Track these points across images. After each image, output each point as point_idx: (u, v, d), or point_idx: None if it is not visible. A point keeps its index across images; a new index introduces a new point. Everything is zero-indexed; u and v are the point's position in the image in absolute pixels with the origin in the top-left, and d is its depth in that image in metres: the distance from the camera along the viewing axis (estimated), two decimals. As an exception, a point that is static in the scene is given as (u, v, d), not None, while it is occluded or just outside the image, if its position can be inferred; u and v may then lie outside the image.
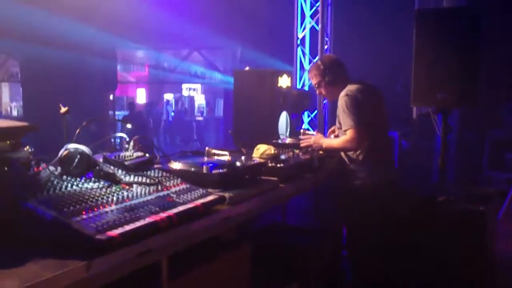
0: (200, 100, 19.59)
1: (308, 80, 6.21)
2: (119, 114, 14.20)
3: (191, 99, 19.53)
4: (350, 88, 3.59)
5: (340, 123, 3.61)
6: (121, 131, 2.80)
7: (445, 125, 4.38)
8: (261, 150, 3.25)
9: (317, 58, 5.95)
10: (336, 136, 3.83)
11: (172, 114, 17.68)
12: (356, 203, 3.68)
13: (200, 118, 17.64)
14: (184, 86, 19.36)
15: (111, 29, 10.30)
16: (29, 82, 11.66)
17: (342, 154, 3.75)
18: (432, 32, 4.22)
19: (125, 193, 2.07)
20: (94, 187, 2.05)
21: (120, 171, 2.32)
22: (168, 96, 18.84)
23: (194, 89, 19.72)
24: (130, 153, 2.55)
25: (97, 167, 2.14)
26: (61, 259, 1.60)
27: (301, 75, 6.36)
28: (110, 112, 12.48)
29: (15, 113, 17.05)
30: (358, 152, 3.64)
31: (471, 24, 4.13)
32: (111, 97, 13.31)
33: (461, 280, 3.98)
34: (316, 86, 3.82)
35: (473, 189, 4.86)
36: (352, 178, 3.68)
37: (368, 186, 3.62)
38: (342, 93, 3.58)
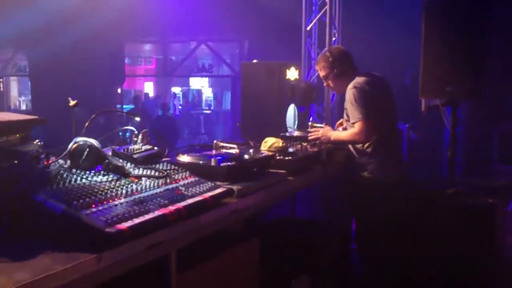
0: (207, 93, 19.58)
1: (315, 72, 6.18)
2: (126, 107, 14.21)
3: (199, 92, 19.53)
4: (358, 80, 3.57)
5: (348, 116, 3.59)
6: (128, 124, 2.80)
7: (454, 117, 4.36)
8: (269, 143, 3.25)
9: (324, 50, 5.91)
10: (344, 129, 3.81)
11: (180, 107, 17.70)
12: (365, 196, 3.67)
13: (208, 111, 17.64)
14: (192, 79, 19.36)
15: (119, 22, 10.30)
16: (37, 76, 11.72)
17: (350, 146, 3.74)
18: (440, 23, 4.19)
19: (134, 186, 2.08)
20: (103, 180, 2.05)
21: (129, 164, 2.32)
22: (176, 89, 18.85)
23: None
24: (139, 146, 2.55)
25: (106, 160, 2.15)
26: (71, 252, 1.61)
27: (309, 67, 6.33)
28: (118, 106, 12.51)
29: (23, 107, 17.15)
30: (366, 145, 3.62)
31: (480, 15, 4.09)
32: (119, 90, 13.33)
33: (470, 273, 3.97)
34: (324, 78, 3.80)
35: (482, 181, 4.84)
36: (361, 171, 3.67)
37: (376, 178, 3.61)
38: (350, 86, 3.56)
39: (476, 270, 3.96)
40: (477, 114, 7.27)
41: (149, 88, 19.48)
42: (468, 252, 3.97)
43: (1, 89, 15.70)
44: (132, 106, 14.05)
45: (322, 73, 3.80)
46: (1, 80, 15.62)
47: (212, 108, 18.17)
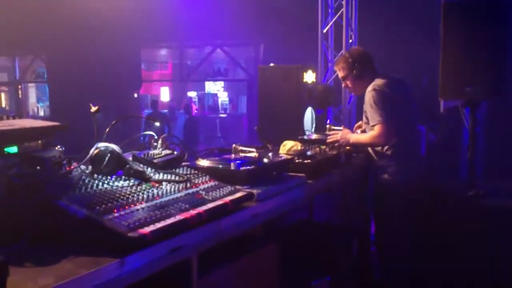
0: (223, 97, 19.64)
1: (332, 74, 6.16)
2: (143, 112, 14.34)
3: (215, 96, 19.59)
4: (378, 82, 3.55)
5: (367, 118, 3.57)
6: (147, 129, 2.81)
7: (474, 118, 4.31)
8: (288, 146, 3.24)
9: (341, 52, 5.89)
10: (363, 131, 3.80)
11: (196, 111, 17.76)
12: (385, 199, 3.65)
13: (224, 115, 17.68)
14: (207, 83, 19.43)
15: (135, 27, 10.38)
16: (56, 82, 11.86)
17: (370, 149, 3.71)
18: (459, 24, 4.14)
19: (155, 191, 2.09)
20: (124, 185, 2.06)
21: (149, 169, 2.33)
22: (192, 94, 18.94)
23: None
24: (159, 151, 2.56)
25: (127, 166, 2.15)
26: (94, 256, 1.62)
27: (325, 70, 6.31)
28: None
29: (41, 113, 17.35)
30: (386, 147, 3.60)
31: (500, 15, 4.04)
32: (135, 95, 13.43)
33: (491, 277, 3.92)
34: (343, 79, 3.78)
35: (503, 183, 4.77)
36: (381, 174, 3.64)
37: (397, 181, 3.58)
38: (369, 88, 3.54)
39: (499, 273, 3.91)
40: (497, 115, 7.17)
41: (165, 92, 19.59)
42: (490, 254, 3.92)
43: (20, 96, 15.93)
44: (151, 111, 14.14)
45: (340, 74, 3.78)
46: (20, 86, 15.85)
47: (228, 112, 18.19)
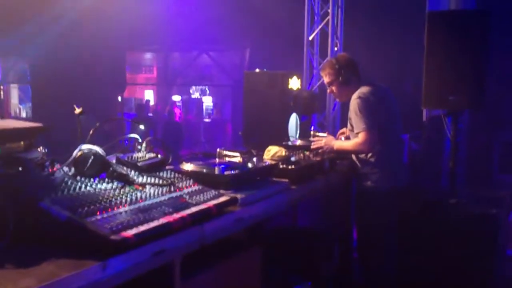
0: (207, 102, 19.62)
1: (317, 81, 6.19)
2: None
3: (199, 101, 19.57)
4: (363, 90, 3.57)
5: (352, 126, 3.59)
6: (132, 132, 2.79)
7: (455, 127, 4.36)
8: (272, 152, 3.25)
9: (327, 59, 5.93)
10: (347, 138, 3.82)
11: (180, 116, 17.71)
12: (368, 206, 3.66)
13: (208, 120, 17.65)
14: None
15: (120, 30, 10.33)
16: (38, 84, 11.73)
17: (354, 156, 3.73)
18: (443, 34, 4.20)
19: (139, 194, 2.08)
20: (107, 187, 2.05)
21: (133, 172, 2.32)
22: (176, 98, 18.90)
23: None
24: (143, 154, 2.55)
25: (111, 168, 2.14)
26: (76, 259, 1.61)
27: (310, 77, 6.34)
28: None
29: (23, 114, 17.15)
30: (370, 155, 3.62)
31: (483, 26, 4.11)
32: (119, 98, 13.34)
33: (472, 282, 3.96)
34: (328, 84, 3.79)
35: (484, 191, 4.83)
36: (364, 181, 3.66)
37: (379, 189, 3.60)
38: (355, 96, 3.56)
39: (479, 279, 3.95)
40: (478, 124, 7.26)
41: (149, 96, 19.51)
42: (471, 262, 3.96)
43: (1, 97, 15.73)
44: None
45: (326, 80, 3.79)
46: (1, 87, 15.66)
47: (212, 116, 18.17)
